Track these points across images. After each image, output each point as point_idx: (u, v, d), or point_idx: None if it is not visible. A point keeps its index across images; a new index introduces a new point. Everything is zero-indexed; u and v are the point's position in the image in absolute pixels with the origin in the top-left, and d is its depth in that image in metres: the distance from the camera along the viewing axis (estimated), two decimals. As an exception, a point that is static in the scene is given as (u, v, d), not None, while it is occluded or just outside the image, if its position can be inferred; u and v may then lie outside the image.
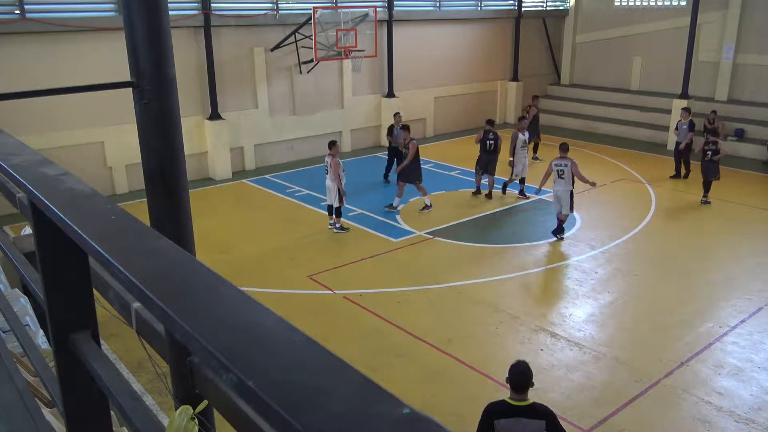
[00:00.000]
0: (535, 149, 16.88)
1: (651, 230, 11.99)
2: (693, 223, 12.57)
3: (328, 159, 11.66)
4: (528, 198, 13.52)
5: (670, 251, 11.15)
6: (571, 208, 11.26)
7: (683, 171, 15.23)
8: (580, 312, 8.90)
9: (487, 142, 13.56)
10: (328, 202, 11.95)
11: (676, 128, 15.41)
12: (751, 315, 8.73)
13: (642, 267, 10.48)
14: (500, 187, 13.91)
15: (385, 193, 14.23)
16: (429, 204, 13.00)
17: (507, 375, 4.51)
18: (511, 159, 13.48)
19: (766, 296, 9.26)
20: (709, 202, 13.28)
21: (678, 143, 15.14)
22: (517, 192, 13.85)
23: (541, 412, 4.41)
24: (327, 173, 11.73)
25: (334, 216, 11.93)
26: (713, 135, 13.56)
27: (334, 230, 11.94)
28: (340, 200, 11.69)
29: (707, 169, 13.24)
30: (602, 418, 6.60)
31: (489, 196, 13.84)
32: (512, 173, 13.58)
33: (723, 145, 13.48)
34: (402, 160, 13.21)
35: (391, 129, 14.83)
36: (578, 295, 9.44)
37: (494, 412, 4.44)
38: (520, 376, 4.42)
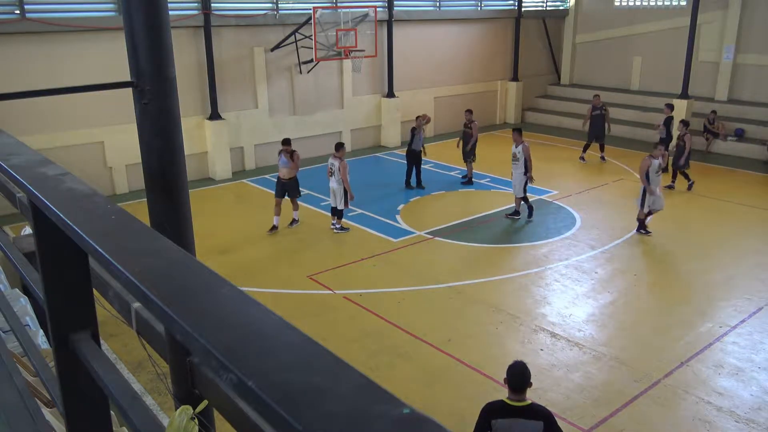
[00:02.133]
0: (601, 149, 17.04)
1: (651, 230, 11.98)
2: (693, 223, 12.57)
3: (334, 162, 11.56)
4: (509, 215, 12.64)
5: (670, 251, 11.16)
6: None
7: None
8: (580, 312, 8.90)
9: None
10: (332, 204, 11.92)
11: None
12: (751, 315, 8.73)
13: (642, 267, 10.49)
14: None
15: (386, 195, 14.25)
16: (296, 219, 12.31)
17: (505, 375, 4.51)
18: (528, 174, 12.43)
19: (766, 296, 9.26)
20: (674, 187, 14.48)
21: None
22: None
23: (539, 413, 4.39)
24: (332, 175, 11.65)
25: (336, 217, 11.92)
26: (686, 126, 14.60)
27: (335, 230, 11.93)
28: (346, 203, 11.66)
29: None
30: (602, 418, 6.60)
31: (470, 181, 15.11)
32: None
33: (687, 140, 14.43)
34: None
35: (413, 131, 14.50)
36: (578, 295, 9.44)
37: (492, 411, 4.42)
38: (518, 376, 4.40)
